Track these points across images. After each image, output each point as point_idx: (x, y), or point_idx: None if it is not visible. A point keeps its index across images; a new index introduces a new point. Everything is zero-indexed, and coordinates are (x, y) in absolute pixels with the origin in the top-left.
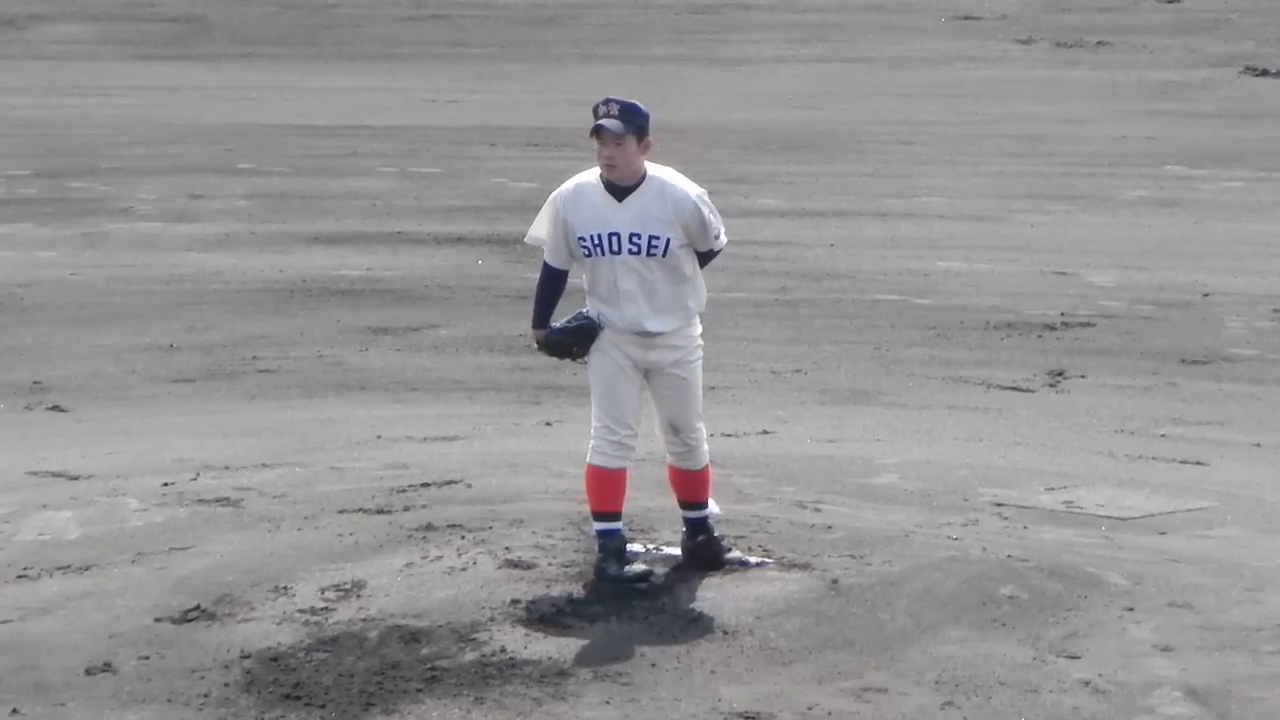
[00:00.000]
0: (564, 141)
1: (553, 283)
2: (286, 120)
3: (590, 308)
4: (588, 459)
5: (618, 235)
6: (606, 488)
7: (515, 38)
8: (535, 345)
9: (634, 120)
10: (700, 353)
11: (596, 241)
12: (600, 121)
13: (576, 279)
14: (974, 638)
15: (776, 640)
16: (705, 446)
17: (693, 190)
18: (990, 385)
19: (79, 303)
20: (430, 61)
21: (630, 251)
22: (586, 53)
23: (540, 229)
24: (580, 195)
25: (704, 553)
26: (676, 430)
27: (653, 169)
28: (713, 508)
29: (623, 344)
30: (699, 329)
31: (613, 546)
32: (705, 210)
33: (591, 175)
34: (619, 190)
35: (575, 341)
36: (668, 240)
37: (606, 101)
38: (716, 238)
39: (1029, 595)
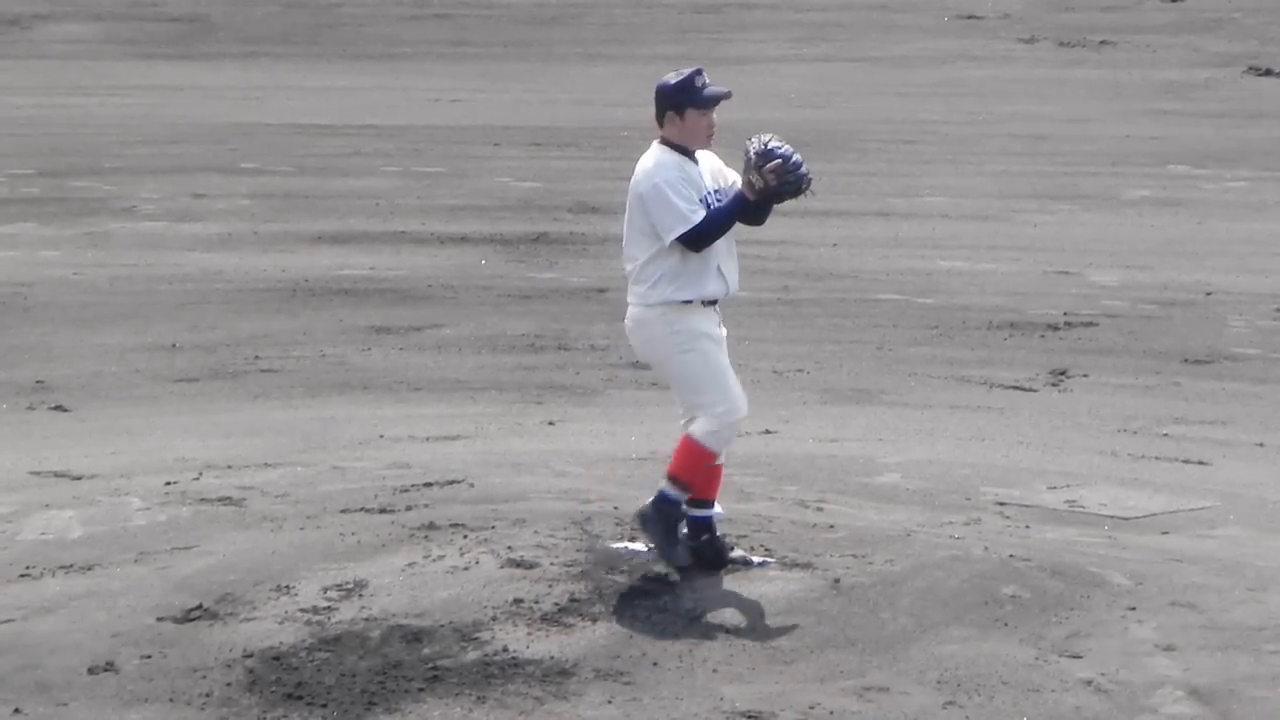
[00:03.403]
0: (567, 141)
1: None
2: (289, 120)
3: (677, 294)
4: (706, 444)
5: (711, 193)
6: (717, 475)
7: (518, 37)
8: (765, 186)
9: None
10: None
11: (709, 203)
12: (717, 89)
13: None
14: (976, 637)
15: (778, 639)
16: None
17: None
18: (993, 384)
19: (82, 302)
20: (433, 61)
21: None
22: (590, 52)
23: (686, 208)
24: (679, 167)
25: (706, 551)
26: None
27: None
28: (714, 507)
29: (714, 326)
30: None
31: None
32: None
33: (656, 153)
34: (691, 155)
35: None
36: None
37: (700, 72)
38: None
39: (1031, 595)
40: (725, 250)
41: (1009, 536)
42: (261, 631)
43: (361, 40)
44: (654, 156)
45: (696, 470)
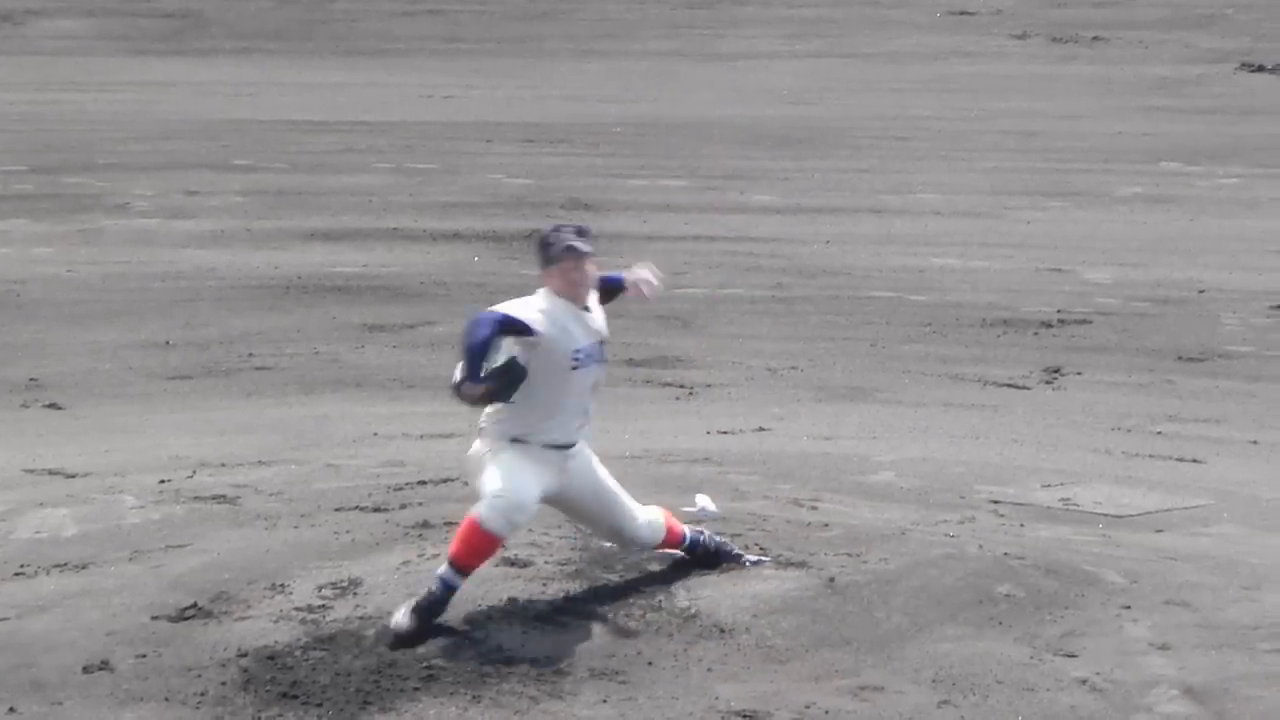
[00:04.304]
0: (560, 137)
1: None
2: (282, 116)
3: (512, 431)
4: (484, 525)
5: (601, 344)
6: (490, 550)
7: (511, 33)
8: (466, 398)
9: (593, 241)
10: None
11: (589, 352)
12: (579, 244)
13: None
14: (971, 636)
15: (773, 638)
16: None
17: None
18: (986, 382)
19: (75, 299)
20: (425, 57)
21: (605, 359)
22: (582, 48)
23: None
24: (554, 314)
25: (701, 550)
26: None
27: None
28: (708, 505)
29: (548, 467)
30: None
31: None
32: None
33: (539, 300)
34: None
35: (509, 381)
36: None
37: (560, 228)
38: None
39: (1026, 593)
40: (578, 405)
41: (1003, 535)
42: (256, 630)
43: (354, 36)
44: (522, 304)
45: (475, 552)
